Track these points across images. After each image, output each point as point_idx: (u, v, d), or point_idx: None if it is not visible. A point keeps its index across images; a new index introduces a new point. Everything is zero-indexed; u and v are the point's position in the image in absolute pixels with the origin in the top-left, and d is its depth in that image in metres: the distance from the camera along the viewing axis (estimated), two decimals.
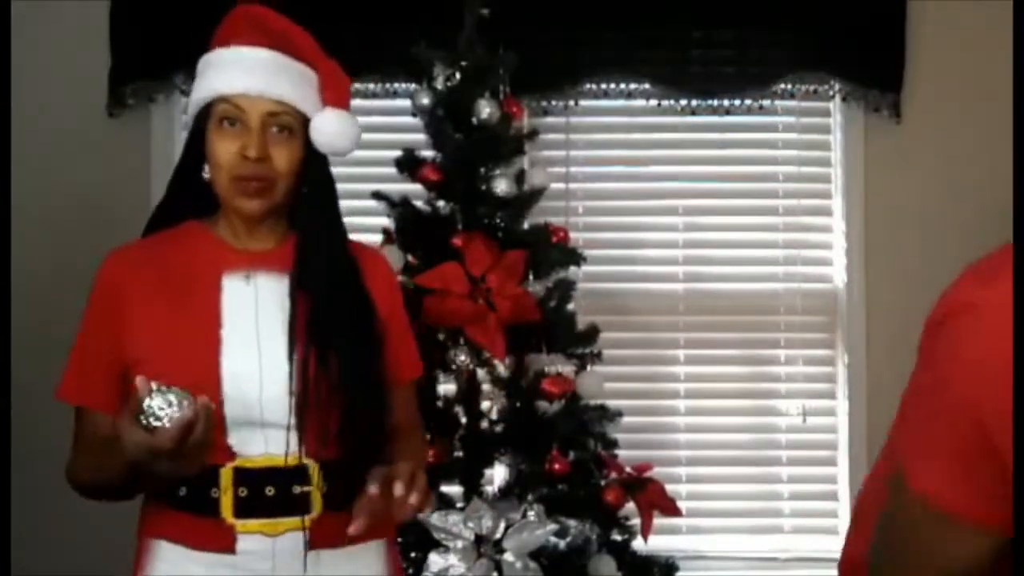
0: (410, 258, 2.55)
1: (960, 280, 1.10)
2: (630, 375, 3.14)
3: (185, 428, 1.38)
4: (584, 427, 2.55)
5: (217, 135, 1.60)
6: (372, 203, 2.61)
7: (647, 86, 3.14)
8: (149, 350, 1.58)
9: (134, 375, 1.56)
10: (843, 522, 3.17)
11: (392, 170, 2.63)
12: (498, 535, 2.29)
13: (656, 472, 2.60)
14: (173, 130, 3.14)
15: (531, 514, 2.36)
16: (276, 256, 1.66)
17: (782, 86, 3.13)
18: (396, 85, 3.08)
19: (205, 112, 1.62)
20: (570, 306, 2.65)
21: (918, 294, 1.57)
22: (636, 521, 2.54)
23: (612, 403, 2.61)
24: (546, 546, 2.38)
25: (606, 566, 2.47)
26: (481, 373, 2.53)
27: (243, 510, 1.57)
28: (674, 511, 2.57)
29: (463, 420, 2.56)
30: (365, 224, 2.50)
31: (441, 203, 2.59)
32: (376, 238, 2.54)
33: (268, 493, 1.57)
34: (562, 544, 2.44)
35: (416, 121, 2.69)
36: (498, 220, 2.56)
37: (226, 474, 1.57)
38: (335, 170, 1.69)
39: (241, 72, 1.60)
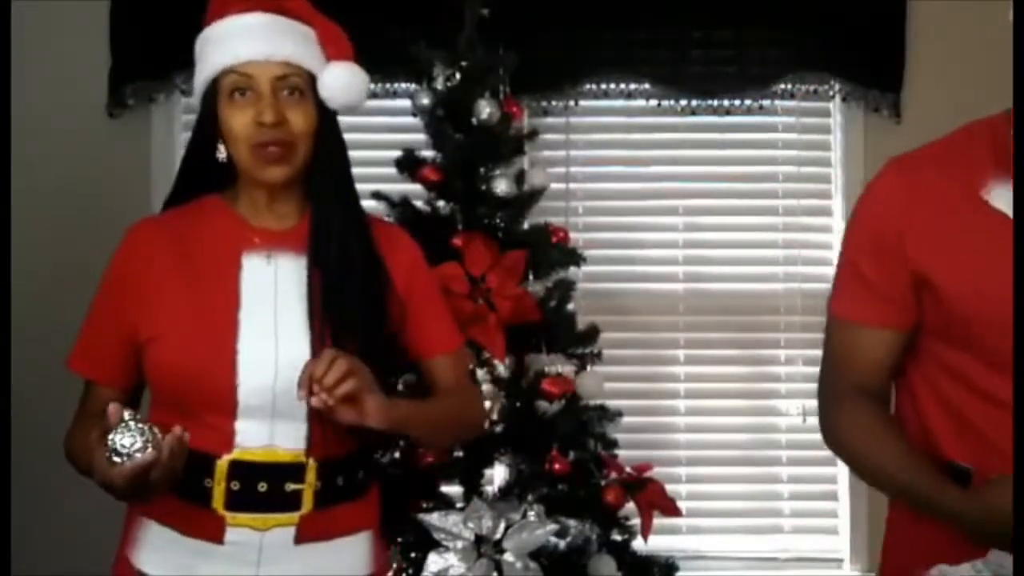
0: None
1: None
2: (630, 375, 3.14)
3: (141, 471, 1.36)
4: (584, 427, 2.55)
5: (229, 108, 1.58)
6: (372, 203, 2.61)
7: (647, 86, 3.14)
8: (165, 329, 1.58)
9: (150, 353, 1.57)
10: (843, 522, 3.17)
11: (392, 170, 2.63)
12: (498, 535, 2.29)
13: (656, 472, 2.60)
14: (173, 130, 3.14)
15: (531, 514, 2.36)
16: (296, 236, 1.64)
17: (782, 86, 3.13)
18: (396, 85, 3.08)
19: (212, 90, 1.60)
20: (570, 306, 2.65)
21: None
22: (636, 521, 2.54)
23: (612, 403, 2.61)
24: (546, 546, 2.38)
25: (606, 566, 2.47)
26: (481, 373, 2.53)
27: (234, 503, 1.57)
28: (674, 511, 2.57)
29: None
30: None
31: (441, 203, 2.59)
32: None
33: (260, 489, 1.57)
34: (562, 544, 2.44)
35: (416, 121, 2.69)
36: (498, 220, 2.56)
37: (221, 466, 1.56)
38: None
39: (242, 40, 1.58)
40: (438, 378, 1.76)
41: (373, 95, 3.07)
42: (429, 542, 2.29)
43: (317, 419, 1.56)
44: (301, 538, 1.60)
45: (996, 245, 1.34)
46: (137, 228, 1.67)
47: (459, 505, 2.41)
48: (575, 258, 2.64)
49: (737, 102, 3.13)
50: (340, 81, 1.61)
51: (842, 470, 3.15)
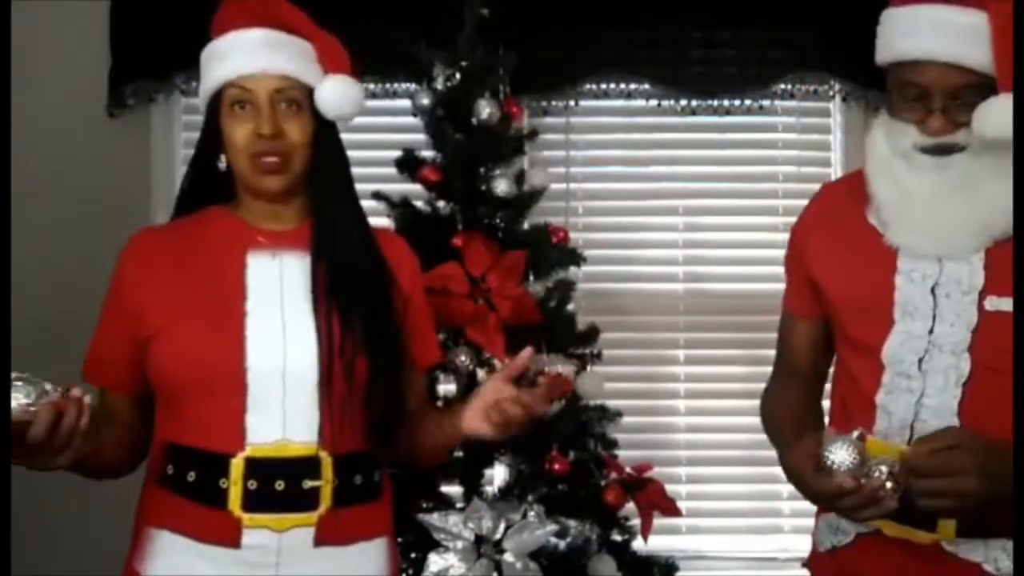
0: None
1: None
2: (630, 375, 3.14)
3: (16, 430, 1.32)
4: (584, 427, 2.55)
5: (230, 120, 1.64)
6: (372, 203, 2.61)
7: (647, 86, 3.14)
8: (169, 321, 1.60)
9: (154, 348, 1.59)
10: None
11: (392, 170, 2.63)
12: (498, 535, 2.29)
13: (656, 472, 2.60)
14: (173, 130, 3.14)
15: (531, 514, 2.36)
16: (300, 235, 1.68)
17: (782, 86, 3.13)
18: (396, 85, 3.08)
19: (215, 103, 1.66)
20: (570, 306, 2.65)
21: None
22: (636, 521, 2.54)
23: (612, 403, 2.61)
24: (546, 546, 2.38)
25: (606, 566, 2.47)
26: (481, 373, 2.53)
27: (251, 504, 1.57)
28: (674, 511, 2.57)
29: None
30: None
31: (441, 203, 2.59)
32: None
33: (277, 488, 1.57)
34: (562, 544, 2.44)
35: (416, 121, 2.69)
36: (498, 220, 2.56)
37: (237, 465, 1.57)
38: None
39: (242, 55, 1.65)
40: (413, 391, 1.79)
41: (373, 95, 3.07)
42: (429, 542, 2.29)
43: (327, 409, 1.58)
44: (320, 540, 1.59)
45: (865, 247, 1.66)
46: (139, 235, 1.72)
47: (459, 505, 2.41)
48: (575, 258, 2.64)
49: (737, 102, 3.13)
50: (335, 94, 1.67)
51: None
